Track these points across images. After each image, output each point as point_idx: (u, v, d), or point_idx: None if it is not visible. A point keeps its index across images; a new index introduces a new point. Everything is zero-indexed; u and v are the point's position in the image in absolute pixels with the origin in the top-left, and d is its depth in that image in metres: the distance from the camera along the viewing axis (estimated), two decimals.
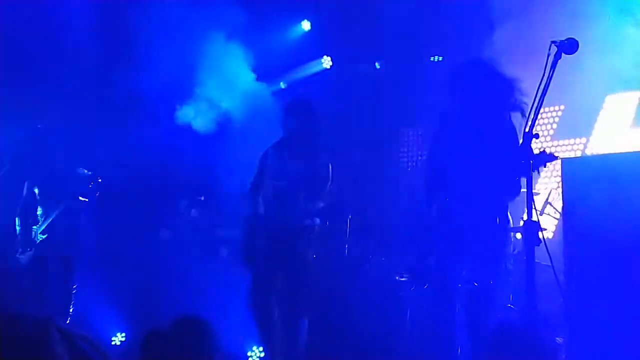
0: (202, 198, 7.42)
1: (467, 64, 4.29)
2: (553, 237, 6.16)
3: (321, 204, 4.94)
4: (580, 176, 5.06)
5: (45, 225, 6.07)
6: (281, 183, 4.98)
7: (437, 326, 4.11)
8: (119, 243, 7.01)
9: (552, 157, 3.50)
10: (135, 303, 6.75)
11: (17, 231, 6.20)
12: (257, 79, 7.75)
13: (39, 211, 6.13)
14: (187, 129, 7.22)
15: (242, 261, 5.21)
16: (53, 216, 6.05)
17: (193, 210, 7.49)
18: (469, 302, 3.93)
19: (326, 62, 8.27)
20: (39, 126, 6.27)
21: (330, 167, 5.04)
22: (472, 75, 4.15)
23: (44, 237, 6.07)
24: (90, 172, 6.21)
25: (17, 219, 6.21)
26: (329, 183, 5.00)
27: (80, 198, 6.12)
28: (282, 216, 4.88)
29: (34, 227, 6.12)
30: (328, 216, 5.07)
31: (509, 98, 3.98)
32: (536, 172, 3.51)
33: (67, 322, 5.75)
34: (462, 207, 3.98)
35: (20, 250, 6.13)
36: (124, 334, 6.80)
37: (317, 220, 4.99)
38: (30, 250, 6.10)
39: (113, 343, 6.69)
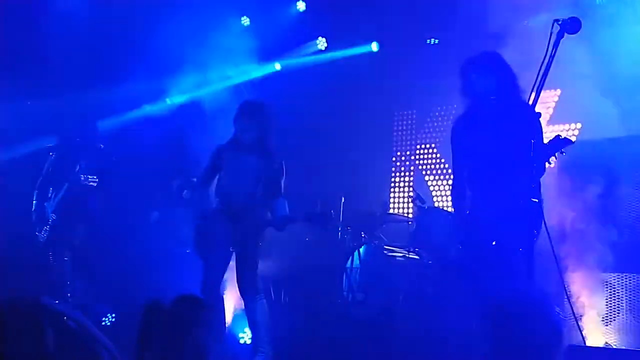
0: (195, 179, 7.35)
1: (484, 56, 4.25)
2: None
3: (280, 199, 5.15)
4: (576, 161, 5.06)
5: (55, 204, 5.94)
6: (234, 178, 5.22)
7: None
8: (110, 223, 6.95)
9: (567, 142, 3.45)
10: (126, 284, 6.70)
11: (33, 206, 6.08)
12: (252, 61, 7.69)
13: (50, 188, 6.03)
14: (182, 108, 7.15)
15: (195, 252, 5.45)
16: (61, 194, 5.92)
17: (185, 192, 7.43)
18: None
19: (321, 43, 8.20)
20: (28, 102, 6.18)
21: (283, 163, 5.26)
22: (490, 66, 4.13)
23: (54, 217, 5.96)
24: (102, 146, 6.11)
25: (35, 192, 6.11)
26: (283, 178, 5.23)
27: (88, 177, 6.01)
28: (236, 209, 5.13)
29: (45, 203, 6.02)
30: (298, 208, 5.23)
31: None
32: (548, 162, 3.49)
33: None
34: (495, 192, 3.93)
35: (37, 228, 6.04)
36: (113, 315, 6.76)
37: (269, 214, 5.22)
38: (45, 229, 5.99)
39: (103, 323, 6.64)
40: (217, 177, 5.39)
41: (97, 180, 6.03)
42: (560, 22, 3.37)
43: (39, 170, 6.14)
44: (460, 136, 4.32)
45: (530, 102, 3.23)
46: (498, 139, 4.03)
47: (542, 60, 3.34)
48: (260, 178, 5.17)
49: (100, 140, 6.16)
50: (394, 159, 8.30)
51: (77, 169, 5.97)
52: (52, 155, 6.10)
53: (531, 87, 3.25)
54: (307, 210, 5.14)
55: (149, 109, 7.40)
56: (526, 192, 3.71)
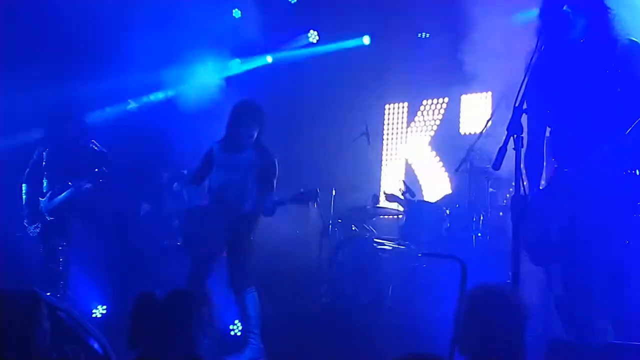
0: (185, 172, 7.36)
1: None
2: None
3: (275, 197, 5.16)
4: None
5: (57, 204, 5.92)
6: (226, 177, 5.24)
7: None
8: (103, 218, 6.95)
9: None
10: (117, 276, 6.71)
11: (23, 200, 6.04)
12: (243, 54, 7.69)
13: (45, 182, 5.99)
14: (172, 101, 7.13)
15: (184, 246, 5.54)
16: (64, 196, 5.90)
17: (175, 184, 7.44)
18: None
19: (313, 36, 8.21)
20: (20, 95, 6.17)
21: (276, 162, 5.28)
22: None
23: (51, 218, 5.94)
24: (101, 148, 6.06)
25: (23, 185, 6.07)
26: (276, 176, 5.25)
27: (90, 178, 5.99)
28: (227, 205, 5.17)
29: (41, 199, 5.99)
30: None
31: None
32: None
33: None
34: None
35: (26, 221, 6.02)
36: (104, 307, 6.77)
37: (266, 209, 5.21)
38: (37, 225, 5.97)
39: (94, 315, 6.66)
40: (208, 176, 5.42)
41: (96, 180, 6.03)
42: None
43: (27, 162, 6.12)
44: (539, 89, 3.53)
45: (519, 97, 3.22)
46: (590, 93, 3.46)
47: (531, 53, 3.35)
48: (252, 176, 5.19)
49: (90, 136, 6.13)
50: (384, 152, 8.34)
51: (80, 172, 5.95)
52: (43, 148, 6.07)
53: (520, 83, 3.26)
54: (293, 193, 5.14)
55: (135, 103, 7.39)
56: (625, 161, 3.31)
